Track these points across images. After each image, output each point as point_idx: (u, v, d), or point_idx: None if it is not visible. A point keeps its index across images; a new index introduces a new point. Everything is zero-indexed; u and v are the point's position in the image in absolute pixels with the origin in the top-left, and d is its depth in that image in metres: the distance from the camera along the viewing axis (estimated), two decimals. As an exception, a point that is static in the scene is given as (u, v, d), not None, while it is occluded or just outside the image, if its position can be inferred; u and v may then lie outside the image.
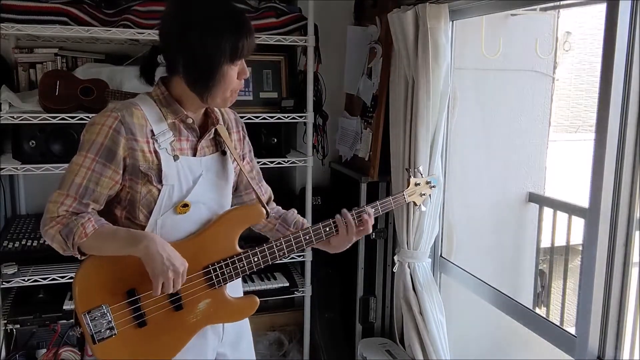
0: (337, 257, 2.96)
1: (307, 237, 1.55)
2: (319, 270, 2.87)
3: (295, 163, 2.67)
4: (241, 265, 1.48)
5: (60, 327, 2.50)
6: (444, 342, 2.37)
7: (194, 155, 1.48)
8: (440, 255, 2.58)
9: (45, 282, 2.35)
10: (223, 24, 1.35)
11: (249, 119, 2.54)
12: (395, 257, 2.48)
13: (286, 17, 2.59)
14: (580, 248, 2.34)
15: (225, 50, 1.34)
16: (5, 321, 2.36)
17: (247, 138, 1.67)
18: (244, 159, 1.64)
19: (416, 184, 1.70)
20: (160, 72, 1.48)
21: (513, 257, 2.87)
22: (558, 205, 2.86)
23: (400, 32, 2.27)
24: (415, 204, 1.73)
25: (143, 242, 1.34)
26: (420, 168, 1.75)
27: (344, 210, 1.57)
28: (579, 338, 1.74)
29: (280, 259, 1.54)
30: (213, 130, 1.51)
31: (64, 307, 2.42)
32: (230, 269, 1.47)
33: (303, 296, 2.77)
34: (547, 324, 1.98)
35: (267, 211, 1.56)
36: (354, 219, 1.56)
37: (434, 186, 1.74)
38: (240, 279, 1.58)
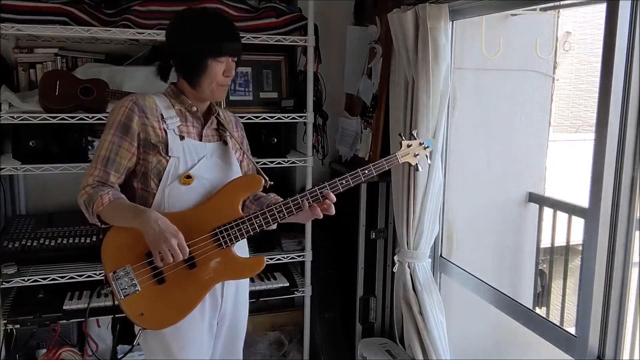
0: (337, 257, 2.97)
1: (287, 207, 1.70)
2: (319, 270, 2.87)
3: (295, 163, 2.67)
4: (245, 227, 1.66)
5: (60, 327, 2.50)
6: (444, 342, 2.37)
7: (200, 140, 1.73)
8: (440, 255, 2.58)
9: (45, 282, 2.34)
10: (209, 25, 1.64)
11: (249, 119, 2.54)
12: (395, 257, 2.48)
13: (286, 17, 2.59)
14: (580, 248, 2.34)
15: (209, 46, 1.61)
16: (5, 321, 2.36)
17: (245, 138, 1.93)
18: (243, 155, 1.89)
19: (408, 146, 1.83)
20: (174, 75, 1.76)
21: (513, 257, 2.87)
22: (558, 205, 2.86)
23: (400, 32, 2.27)
24: (410, 164, 1.84)
25: (140, 217, 1.55)
26: (415, 132, 1.86)
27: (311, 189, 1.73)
28: (579, 338, 1.74)
29: (273, 224, 1.70)
30: (214, 119, 1.77)
31: (64, 307, 2.41)
32: (235, 230, 1.66)
33: (303, 296, 2.77)
34: (547, 324, 1.98)
35: (265, 179, 1.76)
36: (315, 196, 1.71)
37: (427, 147, 1.85)
38: (246, 242, 1.80)
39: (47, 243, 2.43)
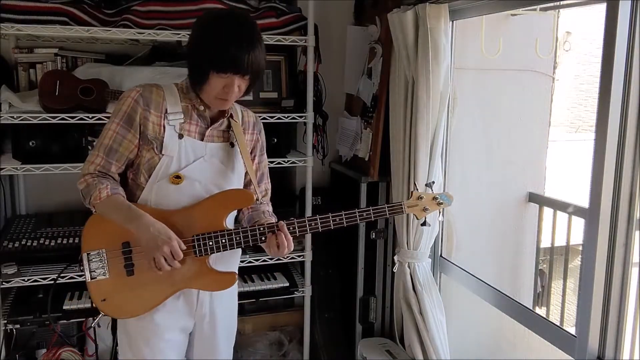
0: (337, 257, 2.97)
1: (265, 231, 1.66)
2: (319, 270, 2.87)
3: (295, 163, 2.67)
4: (223, 240, 1.64)
5: (60, 327, 2.50)
6: (444, 342, 2.37)
7: (201, 140, 1.68)
8: (440, 255, 2.58)
9: (45, 282, 2.34)
10: (223, 36, 1.55)
11: (249, 119, 2.54)
12: (395, 257, 2.48)
13: (286, 17, 2.59)
14: (580, 248, 2.34)
15: (213, 60, 1.55)
16: (5, 321, 2.36)
17: (260, 142, 1.85)
18: (253, 159, 1.82)
19: (419, 197, 1.69)
20: None
21: (513, 257, 2.87)
22: (558, 205, 2.86)
23: (400, 32, 2.27)
24: (416, 217, 1.72)
25: (135, 221, 1.57)
26: (432, 183, 1.74)
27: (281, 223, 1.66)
28: (579, 338, 1.74)
29: (255, 244, 1.66)
30: (224, 122, 1.72)
31: (64, 307, 2.42)
32: (212, 242, 1.63)
33: (303, 296, 2.77)
34: (547, 324, 1.98)
35: (257, 198, 1.74)
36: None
37: (441, 203, 1.70)
38: (239, 254, 1.80)
39: (47, 243, 2.42)
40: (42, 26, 2.26)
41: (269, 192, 1.89)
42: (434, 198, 1.70)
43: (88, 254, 1.64)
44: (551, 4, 2.57)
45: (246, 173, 1.78)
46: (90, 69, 2.55)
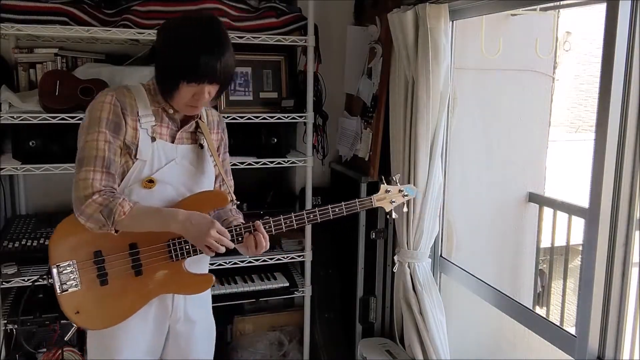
0: (337, 257, 2.97)
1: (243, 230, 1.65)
2: (319, 270, 2.87)
3: (295, 163, 2.67)
4: None
5: (60, 327, 2.50)
6: (444, 342, 2.37)
7: (172, 142, 1.66)
8: (440, 255, 2.58)
9: (45, 282, 2.34)
10: (190, 46, 1.51)
11: (249, 119, 2.55)
12: (395, 257, 2.48)
13: (286, 17, 2.59)
14: (580, 248, 2.34)
15: (183, 70, 1.51)
16: (5, 321, 2.36)
17: (224, 140, 1.84)
18: (219, 156, 1.80)
19: (386, 191, 1.81)
20: None
21: (513, 257, 2.87)
22: (558, 205, 2.86)
23: (400, 32, 2.27)
24: (385, 209, 1.82)
25: (173, 222, 1.53)
26: (397, 177, 1.83)
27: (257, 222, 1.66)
28: (579, 338, 1.74)
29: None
30: (194, 123, 1.69)
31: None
32: (188, 245, 1.62)
33: (303, 296, 2.78)
34: (547, 324, 1.98)
35: (232, 199, 1.72)
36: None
37: (406, 195, 1.83)
38: (208, 258, 1.75)
39: (47, 243, 2.41)
40: (42, 26, 2.26)
41: (232, 188, 1.85)
42: (400, 190, 1.82)
43: (58, 266, 1.59)
44: (551, 4, 2.57)
45: (218, 174, 1.78)
46: (90, 69, 2.55)
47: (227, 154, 1.86)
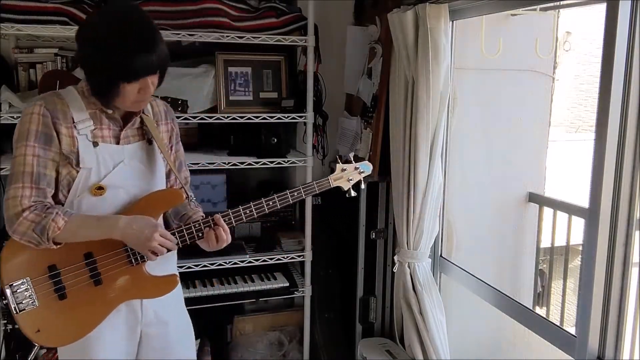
0: (337, 257, 2.97)
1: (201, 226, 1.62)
2: (319, 270, 2.87)
3: (295, 163, 2.67)
4: None
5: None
6: (444, 342, 2.37)
7: (117, 143, 1.59)
8: (440, 255, 2.58)
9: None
10: (121, 46, 1.41)
11: (249, 119, 2.55)
12: (395, 257, 2.48)
13: (286, 17, 2.59)
14: (580, 248, 2.34)
15: (121, 71, 1.43)
16: (5, 321, 2.36)
17: (175, 130, 1.76)
18: (171, 149, 1.74)
19: (342, 170, 1.81)
20: None
21: (513, 257, 2.87)
22: (558, 205, 2.86)
23: (400, 32, 2.27)
24: (342, 188, 1.82)
25: (113, 230, 1.49)
26: (351, 156, 1.85)
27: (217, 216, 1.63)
28: (579, 338, 1.74)
29: (191, 242, 1.63)
30: (137, 119, 1.61)
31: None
32: None
33: (303, 296, 2.77)
34: (547, 324, 1.98)
35: (187, 195, 1.69)
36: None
37: (362, 172, 1.83)
38: (175, 256, 1.72)
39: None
40: (42, 26, 2.26)
41: (189, 179, 1.81)
42: (356, 168, 1.82)
43: (11, 286, 1.51)
44: (551, 4, 2.57)
45: (169, 169, 1.73)
46: (90, 69, 2.54)
47: (180, 144, 1.79)
